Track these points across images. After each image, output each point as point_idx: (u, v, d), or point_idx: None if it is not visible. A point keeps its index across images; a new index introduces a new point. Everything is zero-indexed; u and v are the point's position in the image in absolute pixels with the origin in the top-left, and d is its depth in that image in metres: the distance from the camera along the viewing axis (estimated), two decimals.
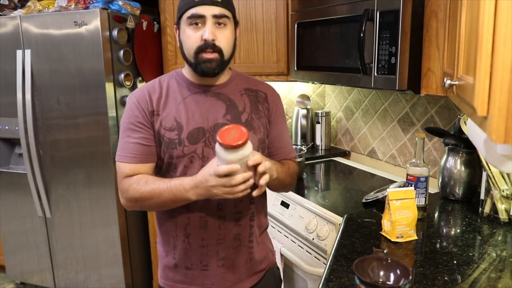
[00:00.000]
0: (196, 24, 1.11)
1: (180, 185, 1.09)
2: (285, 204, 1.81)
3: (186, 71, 1.22)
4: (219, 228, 1.19)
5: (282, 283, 1.49)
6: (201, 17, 1.10)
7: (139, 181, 1.14)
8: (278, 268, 1.43)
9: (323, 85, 2.62)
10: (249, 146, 1.03)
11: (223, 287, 1.24)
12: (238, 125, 1.04)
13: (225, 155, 1.01)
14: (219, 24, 1.12)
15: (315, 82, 2.08)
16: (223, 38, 1.13)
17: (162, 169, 1.20)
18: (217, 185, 1.03)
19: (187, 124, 1.16)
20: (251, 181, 1.05)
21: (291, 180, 1.29)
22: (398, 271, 0.94)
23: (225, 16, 1.12)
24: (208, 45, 1.11)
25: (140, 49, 2.31)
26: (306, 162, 2.20)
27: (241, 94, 1.24)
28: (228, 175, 1.02)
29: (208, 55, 1.12)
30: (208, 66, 1.13)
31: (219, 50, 1.12)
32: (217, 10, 1.11)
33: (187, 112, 1.17)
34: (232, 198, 1.06)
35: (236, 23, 1.19)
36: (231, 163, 1.01)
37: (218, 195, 1.05)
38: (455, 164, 1.59)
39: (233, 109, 1.20)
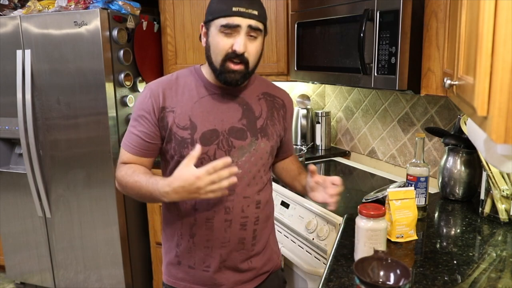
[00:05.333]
0: (229, 32, 1.10)
1: (155, 185, 1.07)
2: (285, 204, 1.81)
3: (205, 70, 1.21)
4: (224, 231, 1.19)
5: (286, 285, 1.48)
6: (236, 26, 1.09)
7: (128, 170, 1.16)
8: (282, 270, 1.43)
9: (323, 85, 2.62)
10: (384, 222, 1.12)
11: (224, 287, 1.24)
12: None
13: (365, 224, 1.11)
14: (251, 36, 1.11)
15: (315, 82, 2.08)
16: (253, 50, 1.12)
17: (170, 166, 1.20)
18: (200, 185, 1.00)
19: (201, 124, 1.15)
20: (224, 182, 1.01)
21: None
22: (398, 271, 0.94)
23: (258, 29, 1.12)
24: (236, 55, 1.10)
25: (140, 49, 2.31)
26: (306, 162, 2.20)
27: (258, 99, 1.23)
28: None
29: (234, 66, 1.11)
30: (232, 77, 1.12)
31: (246, 62, 1.12)
32: (253, 22, 1.10)
33: (202, 112, 1.16)
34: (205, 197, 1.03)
35: (265, 33, 1.18)
36: (368, 231, 1.10)
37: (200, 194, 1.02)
38: (455, 164, 1.59)
39: (249, 114, 1.20)
